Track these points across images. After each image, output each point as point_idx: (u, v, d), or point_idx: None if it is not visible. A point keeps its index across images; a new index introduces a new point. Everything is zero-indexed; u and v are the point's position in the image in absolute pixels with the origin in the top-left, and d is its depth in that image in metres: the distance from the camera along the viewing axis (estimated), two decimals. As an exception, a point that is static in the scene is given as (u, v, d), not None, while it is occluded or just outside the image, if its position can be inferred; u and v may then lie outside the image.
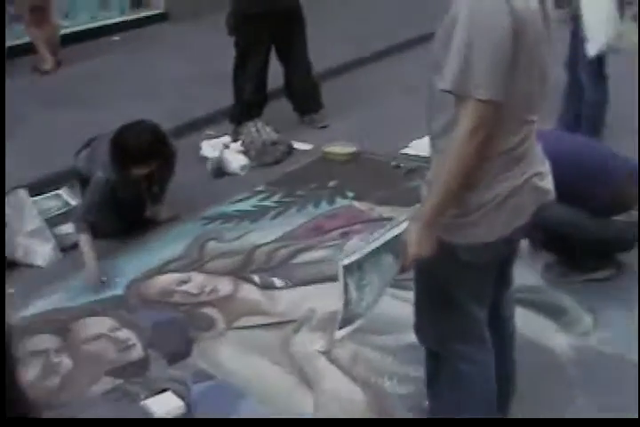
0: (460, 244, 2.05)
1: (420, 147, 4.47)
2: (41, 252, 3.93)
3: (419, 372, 2.79)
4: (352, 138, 5.01)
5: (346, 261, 2.11)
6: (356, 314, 2.21)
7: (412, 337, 2.87)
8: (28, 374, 3.08)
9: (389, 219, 4.04)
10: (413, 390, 2.80)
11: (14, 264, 3.93)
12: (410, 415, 2.69)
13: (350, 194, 4.40)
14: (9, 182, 4.12)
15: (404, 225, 2.10)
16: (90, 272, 3.68)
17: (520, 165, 2.03)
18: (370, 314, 2.25)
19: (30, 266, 3.94)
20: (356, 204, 4.29)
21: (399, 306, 3.20)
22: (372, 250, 2.13)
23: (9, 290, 3.74)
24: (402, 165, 4.53)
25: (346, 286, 2.13)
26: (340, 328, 2.22)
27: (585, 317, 3.19)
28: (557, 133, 3.89)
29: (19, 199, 3.91)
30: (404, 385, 2.85)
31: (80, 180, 4.06)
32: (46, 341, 3.29)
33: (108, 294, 3.61)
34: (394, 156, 4.74)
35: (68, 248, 4.04)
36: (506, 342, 2.42)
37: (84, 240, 3.74)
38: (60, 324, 3.38)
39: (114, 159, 3.69)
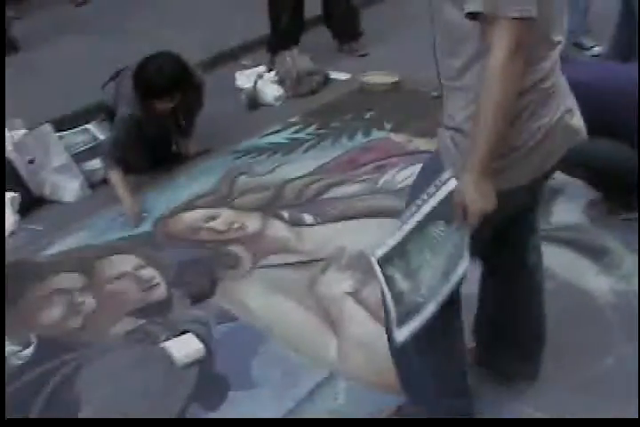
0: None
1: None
2: (69, 188, 3.86)
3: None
4: (391, 67, 4.76)
5: (379, 253, 1.85)
6: (418, 303, 1.84)
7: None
8: (52, 313, 3.04)
9: (426, 152, 3.86)
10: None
11: (42, 201, 3.88)
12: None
13: (387, 125, 4.20)
14: (38, 117, 4.05)
15: (446, 188, 1.80)
16: (128, 206, 3.60)
17: (553, 100, 1.83)
18: (444, 295, 1.82)
19: (58, 203, 3.88)
20: (393, 136, 4.09)
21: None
22: (412, 228, 1.84)
23: (37, 227, 3.71)
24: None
25: (388, 279, 1.87)
26: (401, 326, 1.88)
27: (628, 258, 2.98)
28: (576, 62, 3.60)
29: (44, 135, 3.82)
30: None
31: (107, 113, 3.94)
32: (71, 279, 3.23)
33: (135, 230, 3.54)
34: (434, 86, 4.48)
35: (96, 184, 3.97)
36: (534, 291, 2.26)
37: (115, 176, 3.66)
38: (86, 262, 3.32)
39: (137, 94, 3.55)
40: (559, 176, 2.64)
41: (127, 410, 2.51)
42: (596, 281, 2.86)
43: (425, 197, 1.85)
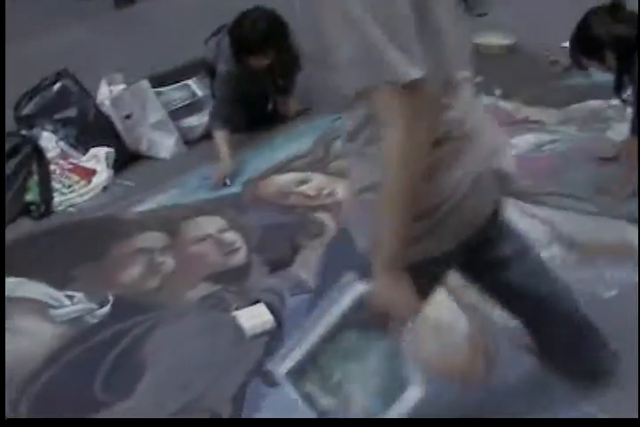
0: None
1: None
2: (164, 144, 3.83)
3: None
4: (509, 29, 4.44)
5: (286, 366, 1.54)
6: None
7: None
8: (132, 272, 3.03)
9: (536, 122, 3.61)
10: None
11: (137, 157, 3.86)
12: (511, 354, 2.35)
13: (497, 91, 3.92)
14: (142, 71, 4.01)
15: (353, 293, 1.51)
16: (221, 170, 3.53)
17: (473, 145, 1.51)
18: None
19: (153, 159, 3.86)
20: (502, 103, 3.82)
21: (536, 224, 2.87)
22: (320, 339, 1.54)
23: (130, 183, 3.70)
24: (560, 60, 3.98)
25: (306, 397, 1.56)
26: None
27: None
28: None
29: (142, 91, 3.79)
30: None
31: (207, 70, 3.85)
32: (154, 239, 3.21)
33: (225, 191, 3.47)
34: (552, 50, 4.17)
35: (192, 141, 3.92)
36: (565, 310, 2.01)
37: (220, 137, 3.60)
38: (172, 222, 3.29)
39: (232, 50, 3.45)
40: None
41: (189, 379, 2.45)
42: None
43: (329, 302, 1.55)
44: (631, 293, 2.49)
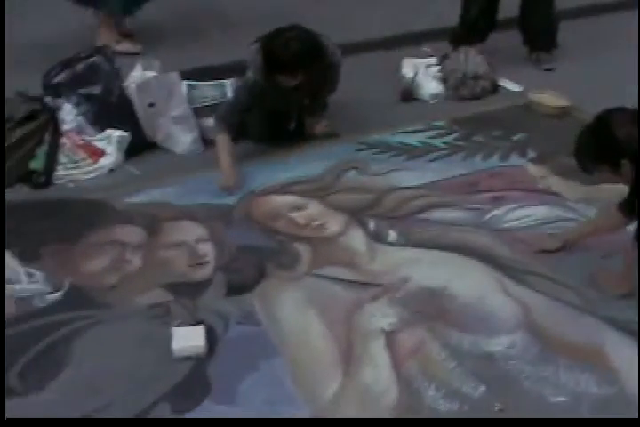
0: None
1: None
2: (181, 140, 3.79)
3: (474, 391, 2.36)
4: (569, 89, 4.25)
5: None
6: None
7: (492, 347, 2.54)
8: (97, 263, 3.00)
9: (556, 194, 3.44)
10: (455, 411, 2.32)
11: (152, 146, 3.83)
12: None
13: (531, 154, 3.76)
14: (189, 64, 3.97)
15: None
16: (225, 177, 3.48)
17: None
18: None
19: (167, 151, 3.82)
20: (531, 167, 3.65)
21: (509, 304, 2.73)
22: None
23: (135, 171, 3.67)
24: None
25: None
26: None
27: None
28: None
29: (170, 82, 3.75)
30: (449, 402, 2.35)
31: (240, 72, 3.77)
32: (133, 233, 3.17)
33: (218, 200, 3.41)
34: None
35: (211, 142, 3.85)
36: None
37: (221, 141, 3.55)
38: (155, 220, 3.25)
39: (263, 63, 3.38)
40: None
41: (102, 385, 2.42)
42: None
43: None
44: (577, 406, 2.33)
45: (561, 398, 2.36)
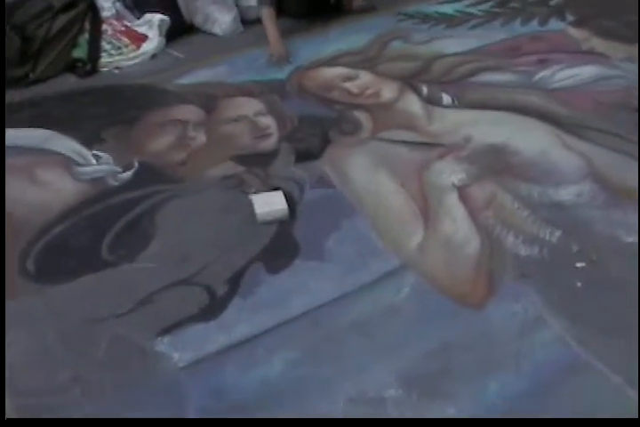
0: None
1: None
2: (220, 20, 3.76)
3: (551, 236, 2.45)
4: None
5: None
6: None
7: (561, 196, 2.56)
8: (162, 141, 3.03)
9: (601, 54, 3.45)
10: (535, 254, 2.42)
11: (192, 29, 3.81)
12: (513, 286, 2.31)
13: (570, 17, 3.75)
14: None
15: None
16: (275, 47, 3.48)
17: None
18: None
19: (207, 33, 3.80)
20: (571, 30, 3.65)
21: (572, 157, 2.79)
22: None
23: (179, 55, 3.66)
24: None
25: None
26: None
27: None
28: None
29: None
30: (528, 247, 2.45)
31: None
32: (191, 112, 3.19)
33: (269, 76, 3.42)
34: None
35: (249, 22, 3.84)
36: None
37: (267, 14, 3.51)
38: (211, 98, 3.26)
39: None
40: None
41: (192, 253, 2.49)
42: None
43: None
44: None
45: (631, 239, 2.45)
